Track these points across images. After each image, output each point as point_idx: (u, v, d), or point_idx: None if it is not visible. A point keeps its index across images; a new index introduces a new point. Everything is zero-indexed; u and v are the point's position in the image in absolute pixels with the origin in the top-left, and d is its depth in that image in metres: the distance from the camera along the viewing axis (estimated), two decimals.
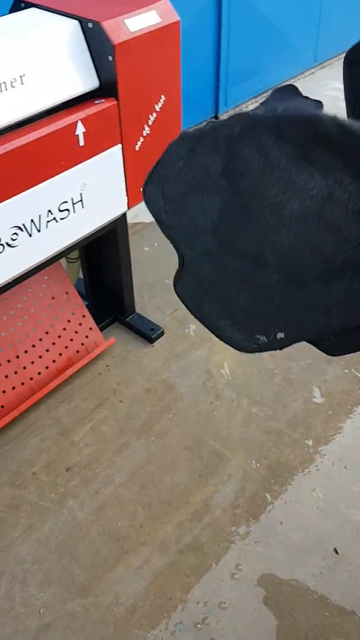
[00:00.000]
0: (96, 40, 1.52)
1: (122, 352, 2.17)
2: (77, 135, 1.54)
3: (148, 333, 2.21)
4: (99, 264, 2.23)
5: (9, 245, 1.53)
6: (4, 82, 1.40)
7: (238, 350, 0.89)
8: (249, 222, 0.75)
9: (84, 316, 2.18)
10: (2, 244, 1.51)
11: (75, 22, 1.53)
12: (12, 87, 1.42)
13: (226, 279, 0.82)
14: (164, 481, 1.77)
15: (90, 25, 1.51)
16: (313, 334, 0.86)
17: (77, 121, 1.52)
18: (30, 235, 1.57)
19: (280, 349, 0.87)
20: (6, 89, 1.41)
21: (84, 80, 1.56)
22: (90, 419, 1.94)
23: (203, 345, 2.18)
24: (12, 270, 1.59)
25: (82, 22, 1.52)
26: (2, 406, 1.95)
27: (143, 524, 1.67)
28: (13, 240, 1.53)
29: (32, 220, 1.55)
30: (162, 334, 2.22)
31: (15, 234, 1.53)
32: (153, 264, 2.54)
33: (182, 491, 1.75)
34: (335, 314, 0.79)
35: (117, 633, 1.47)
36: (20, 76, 1.43)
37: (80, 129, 1.54)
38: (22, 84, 1.44)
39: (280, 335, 0.84)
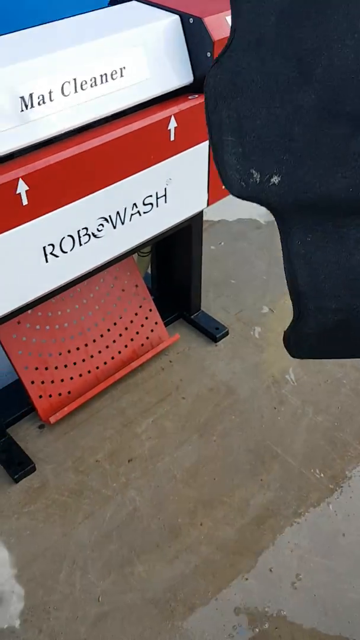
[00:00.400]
0: (196, 36, 1.52)
1: (185, 349, 2.17)
2: (169, 130, 1.55)
3: (213, 332, 2.21)
4: (169, 259, 2.24)
5: (94, 235, 1.55)
6: (105, 74, 1.41)
7: (225, 186, 0.82)
8: (318, 16, 0.68)
9: (150, 310, 2.19)
10: (88, 234, 1.53)
11: (176, 17, 1.53)
12: (112, 79, 1.43)
13: (259, 81, 0.74)
14: (225, 482, 1.77)
15: (191, 20, 1.51)
16: (308, 199, 0.78)
17: (170, 116, 1.52)
18: (114, 227, 1.58)
19: (265, 202, 0.80)
20: (106, 81, 1.42)
21: (180, 75, 1.56)
22: (152, 413, 1.94)
23: (268, 348, 2.16)
24: (95, 260, 1.61)
25: (183, 17, 1.52)
26: (69, 392, 1.98)
27: (203, 523, 1.67)
28: (99, 231, 1.55)
29: (117, 213, 1.56)
30: (226, 334, 2.21)
31: (102, 224, 1.55)
32: (219, 262, 2.53)
33: (242, 494, 1.74)
34: (341, 175, 0.73)
35: (173, 630, 1.48)
36: (121, 69, 1.44)
37: (172, 124, 1.54)
38: (122, 76, 1.45)
39: (274, 179, 0.77)
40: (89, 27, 1.50)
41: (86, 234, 1.53)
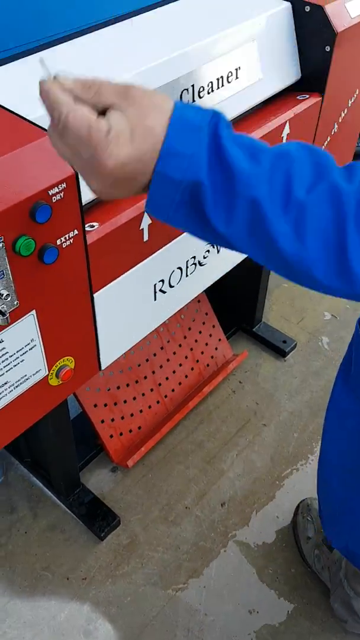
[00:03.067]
0: (311, 27, 1.30)
1: (253, 367, 2.00)
2: (282, 137, 1.33)
3: (280, 346, 2.03)
4: None
5: (199, 263, 1.33)
6: (221, 77, 1.18)
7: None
8: None
9: (213, 326, 1.99)
10: (195, 263, 1.32)
11: (287, 5, 1.30)
12: (228, 82, 1.20)
13: None
14: None
15: (307, 8, 1.29)
16: None
17: (285, 122, 1.31)
18: (218, 252, 1.37)
19: None
20: (222, 85, 1.19)
21: (289, 72, 1.34)
22: (234, 444, 1.77)
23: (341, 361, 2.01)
24: (196, 289, 1.39)
25: (296, 4, 1.30)
26: (140, 427, 1.78)
27: None
28: (204, 258, 1.34)
29: None
30: (294, 347, 2.05)
31: (208, 250, 1.33)
32: None
33: None
34: None
35: None
36: (236, 69, 1.21)
37: (286, 131, 1.33)
38: (237, 78, 1.22)
39: None
40: (190, 19, 1.25)
41: (193, 263, 1.31)
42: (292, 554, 1.55)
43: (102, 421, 1.69)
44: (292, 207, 0.52)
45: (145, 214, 1.08)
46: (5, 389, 0.97)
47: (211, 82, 1.17)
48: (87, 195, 0.98)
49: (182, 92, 1.10)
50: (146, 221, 1.09)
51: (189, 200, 0.54)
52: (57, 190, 0.83)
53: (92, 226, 1.02)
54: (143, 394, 1.79)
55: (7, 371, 0.96)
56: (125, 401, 1.75)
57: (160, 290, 1.26)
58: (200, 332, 1.95)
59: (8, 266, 0.83)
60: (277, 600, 1.47)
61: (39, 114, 0.87)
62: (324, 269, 0.53)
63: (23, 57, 1.06)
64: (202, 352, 1.95)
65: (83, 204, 0.91)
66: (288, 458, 1.74)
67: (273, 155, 0.54)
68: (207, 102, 1.17)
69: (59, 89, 0.55)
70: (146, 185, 0.56)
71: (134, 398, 1.77)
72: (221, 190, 0.52)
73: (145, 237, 1.11)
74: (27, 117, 0.85)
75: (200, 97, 1.15)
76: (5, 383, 0.97)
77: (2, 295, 0.83)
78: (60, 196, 0.85)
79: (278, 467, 1.72)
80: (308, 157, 0.54)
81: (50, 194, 0.83)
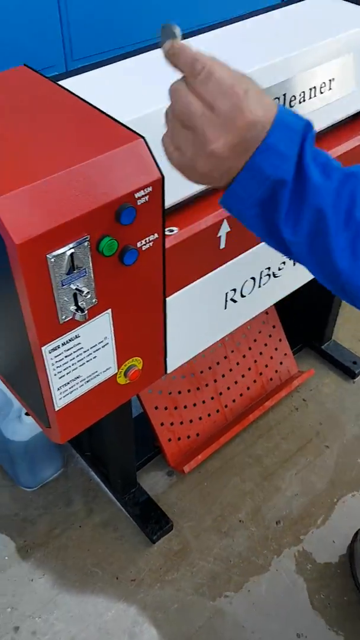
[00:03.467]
0: None
1: (318, 385, 1.95)
2: None
3: (349, 366, 1.98)
4: None
5: (274, 275, 1.32)
6: (314, 87, 1.17)
7: None
8: None
9: (280, 340, 1.96)
10: (269, 274, 1.31)
11: None
12: (321, 93, 1.19)
13: None
14: None
15: None
16: None
17: None
18: (294, 265, 1.36)
19: None
20: (314, 95, 1.18)
21: None
22: (294, 463, 1.73)
23: None
24: (267, 302, 1.38)
25: None
26: (198, 434, 1.77)
27: None
28: (279, 270, 1.32)
29: None
30: None
31: (284, 262, 1.32)
32: None
33: None
34: None
35: None
36: (330, 80, 1.20)
37: None
38: (330, 89, 1.21)
39: None
40: (287, 28, 1.24)
41: (267, 274, 1.30)
42: (346, 581, 1.49)
43: (162, 424, 1.70)
44: (352, 225, 0.54)
45: (225, 222, 1.08)
46: (77, 383, 1.00)
47: (303, 92, 1.16)
48: (169, 199, 0.99)
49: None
50: (224, 229, 1.09)
51: (267, 199, 0.56)
52: (143, 194, 0.85)
53: (172, 230, 1.03)
54: (203, 402, 1.79)
55: (80, 366, 0.98)
56: (185, 406, 1.75)
57: (232, 300, 1.26)
58: (265, 345, 1.92)
59: (91, 265, 0.85)
60: (327, 628, 1.42)
61: (132, 117, 0.89)
62: None
63: (119, 60, 1.09)
64: (266, 365, 1.93)
65: (165, 208, 0.92)
66: (349, 483, 1.68)
67: (343, 173, 0.57)
68: (298, 111, 1.16)
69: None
70: (232, 178, 0.58)
71: (194, 404, 1.77)
72: (296, 196, 0.55)
73: (222, 245, 1.11)
74: (121, 120, 0.87)
75: (291, 106, 1.14)
76: (78, 377, 0.99)
77: (83, 292, 0.85)
78: (146, 199, 0.86)
79: (338, 490, 1.67)
80: None
81: (137, 196, 0.84)
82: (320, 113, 1.21)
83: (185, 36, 1.20)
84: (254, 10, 1.33)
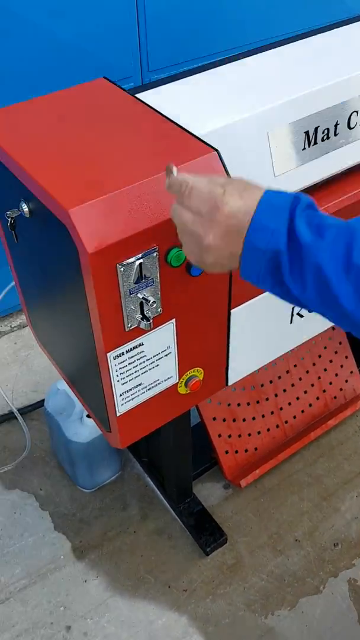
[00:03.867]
0: None
1: None
2: None
3: None
4: None
5: None
6: None
7: None
8: None
9: (346, 357, 1.91)
10: None
11: None
12: None
13: None
14: None
15: None
16: None
17: None
18: None
19: None
20: None
21: None
22: (355, 486, 1.68)
23: None
24: None
25: None
26: (256, 448, 1.75)
27: None
28: None
29: None
30: None
31: None
32: None
33: None
34: None
35: None
36: None
37: None
38: None
39: None
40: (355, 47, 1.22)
41: None
42: None
43: (219, 435, 1.70)
44: (352, 270, 0.60)
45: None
46: (139, 390, 1.01)
47: None
48: None
49: (351, 114, 1.08)
50: None
51: (272, 269, 0.65)
52: None
53: None
54: (263, 416, 1.77)
55: (142, 373, 0.99)
56: (244, 419, 1.73)
57: (298, 314, 1.24)
58: (331, 361, 1.88)
59: (158, 275, 0.86)
60: None
61: (206, 131, 0.90)
62: None
63: (195, 73, 1.10)
64: (331, 383, 1.88)
65: None
66: None
67: (337, 228, 0.63)
68: None
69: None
70: (238, 259, 0.68)
71: (254, 418, 1.75)
72: (295, 260, 0.63)
73: None
74: (195, 133, 0.88)
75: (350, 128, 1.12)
76: (140, 384, 1.00)
77: (150, 301, 0.87)
78: None
79: None
80: None
81: None
82: None
83: (266, 47, 1.20)
84: (334, 22, 1.32)
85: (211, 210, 0.67)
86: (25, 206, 0.89)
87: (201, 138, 0.87)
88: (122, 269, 0.82)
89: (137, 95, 1.02)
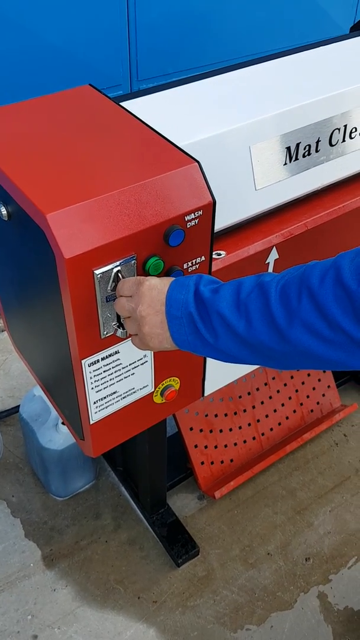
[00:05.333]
0: None
1: None
2: None
3: None
4: None
5: None
6: None
7: None
8: None
9: (324, 371, 1.92)
10: None
11: None
12: None
13: None
14: None
15: None
16: None
17: None
18: None
19: None
20: None
21: None
22: (329, 500, 1.68)
23: None
24: None
25: None
26: (232, 460, 1.75)
27: None
28: None
29: None
30: None
31: None
32: None
33: None
34: None
35: None
36: None
37: None
38: None
39: None
40: (351, 60, 1.24)
41: None
42: None
43: (196, 446, 1.69)
44: (241, 306, 0.75)
45: (274, 249, 1.08)
46: (113, 398, 1.01)
47: None
48: (219, 223, 1.00)
49: (333, 131, 1.09)
50: (273, 256, 1.08)
51: (192, 329, 0.79)
52: (193, 217, 0.86)
53: (219, 254, 1.03)
54: (240, 427, 1.77)
55: (117, 381, 0.99)
56: (221, 430, 1.73)
57: None
58: (308, 375, 1.89)
59: None
60: None
61: (188, 142, 0.91)
62: (273, 340, 0.74)
63: (182, 84, 1.11)
64: (308, 396, 1.89)
65: (214, 232, 0.93)
66: None
67: (229, 284, 0.78)
68: (359, 143, 1.15)
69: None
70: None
71: (230, 429, 1.75)
72: (203, 314, 0.78)
73: (270, 271, 1.10)
74: (178, 144, 0.88)
75: (351, 138, 1.13)
76: (114, 392, 1.00)
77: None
78: (195, 222, 0.87)
79: None
80: (254, 279, 0.78)
81: (186, 219, 0.85)
82: None
83: (252, 62, 1.21)
84: (321, 40, 1.34)
85: (137, 287, 0.81)
86: (4, 209, 0.88)
87: (183, 149, 0.87)
88: (99, 276, 0.82)
89: (122, 104, 1.02)
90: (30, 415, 1.60)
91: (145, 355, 1.00)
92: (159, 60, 1.93)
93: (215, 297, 0.77)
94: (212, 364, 1.15)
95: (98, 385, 0.97)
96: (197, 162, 0.86)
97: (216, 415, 1.73)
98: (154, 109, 1.02)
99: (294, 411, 1.87)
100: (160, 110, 1.02)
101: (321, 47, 1.29)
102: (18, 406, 1.71)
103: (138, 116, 0.96)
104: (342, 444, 1.83)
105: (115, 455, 1.73)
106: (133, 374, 1.01)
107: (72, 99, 1.04)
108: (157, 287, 0.81)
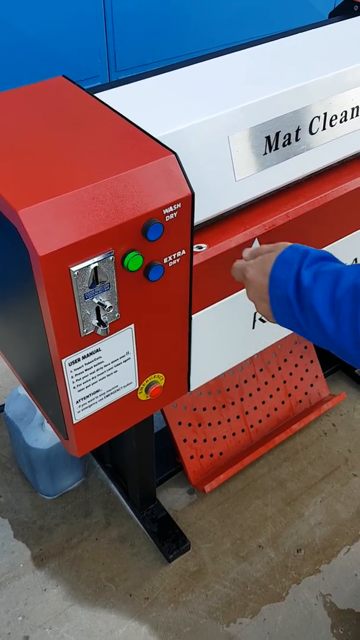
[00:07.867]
0: None
1: (350, 411, 1.89)
2: None
3: None
4: None
5: None
6: (357, 107, 1.14)
7: None
8: None
9: (311, 361, 1.92)
10: None
11: None
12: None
13: None
14: None
15: None
16: None
17: None
18: None
19: None
20: (357, 115, 1.15)
21: None
22: (319, 491, 1.68)
23: None
24: None
25: None
26: (221, 453, 1.74)
27: None
28: None
29: None
30: None
31: None
32: None
33: None
34: None
35: None
36: None
37: None
38: None
39: None
40: (329, 47, 1.22)
41: None
42: None
43: (185, 440, 1.68)
44: (335, 307, 0.74)
45: (256, 240, 1.06)
46: (97, 397, 0.99)
47: (345, 112, 1.13)
48: (199, 216, 0.98)
49: (313, 119, 1.07)
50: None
51: (289, 313, 0.80)
52: (172, 210, 0.84)
53: (200, 247, 1.02)
54: (229, 420, 1.76)
55: (100, 379, 0.97)
56: (209, 424, 1.72)
57: (260, 319, 1.23)
58: (296, 366, 1.88)
59: (115, 279, 0.84)
60: None
61: (165, 133, 0.88)
62: (352, 346, 0.75)
63: (159, 73, 1.08)
64: (296, 387, 1.88)
65: (194, 225, 0.91)
66: None
67: (330, 274, 0.77)
68: (339, 131, 1.13)
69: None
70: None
71: (219, 422, 1.74)
72: (301, 302, 0.78)
73: None
74: (154, 135, 0.86)
75: (332, 126, 1.12)
76: (98, 391, 0.98)
77: (106, 306, 0.84)
78: (174, 216, 0.85)
79: None
80: (355, 272, 0.76)
81: (165, 212, 0.83)
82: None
83: (231, 49, 1.19)
84: (300, 26, 1.32)
85: (250, 257, 0.90)
86: None
87: (159, 140, 0.85)
88: (76, 273, 0.79)
89: (97, 95, 0.99)
90: (15, 414, 1.58)
91: (128, 353, 0.99)
92: (137, 51, 1.90)
93: (313, 287, 0.76)
94: (197, 358, 1.13)
95: (80, 384, 0.95)
96: (174, 153, 0.84)
97: (204, 409, 1.72)
98: (129, 100, 0.99)
99: (283, 402, 1.86)
100: (135, 101, 0.99)
101: (300, 34, 1.27)
102: (3, 405, 1.69)
103: (113, 107, 0.94)
104: (331, 433, 1.83)
105: (103, 452, 1.72)
106: (116, 371, 0.99)
107: (43, 91, 1.01)
108: (266, 264, 0.83)
